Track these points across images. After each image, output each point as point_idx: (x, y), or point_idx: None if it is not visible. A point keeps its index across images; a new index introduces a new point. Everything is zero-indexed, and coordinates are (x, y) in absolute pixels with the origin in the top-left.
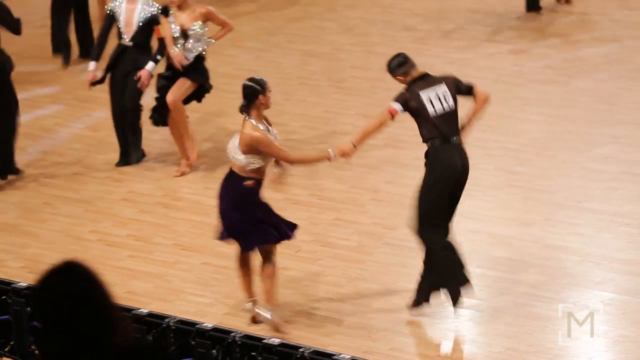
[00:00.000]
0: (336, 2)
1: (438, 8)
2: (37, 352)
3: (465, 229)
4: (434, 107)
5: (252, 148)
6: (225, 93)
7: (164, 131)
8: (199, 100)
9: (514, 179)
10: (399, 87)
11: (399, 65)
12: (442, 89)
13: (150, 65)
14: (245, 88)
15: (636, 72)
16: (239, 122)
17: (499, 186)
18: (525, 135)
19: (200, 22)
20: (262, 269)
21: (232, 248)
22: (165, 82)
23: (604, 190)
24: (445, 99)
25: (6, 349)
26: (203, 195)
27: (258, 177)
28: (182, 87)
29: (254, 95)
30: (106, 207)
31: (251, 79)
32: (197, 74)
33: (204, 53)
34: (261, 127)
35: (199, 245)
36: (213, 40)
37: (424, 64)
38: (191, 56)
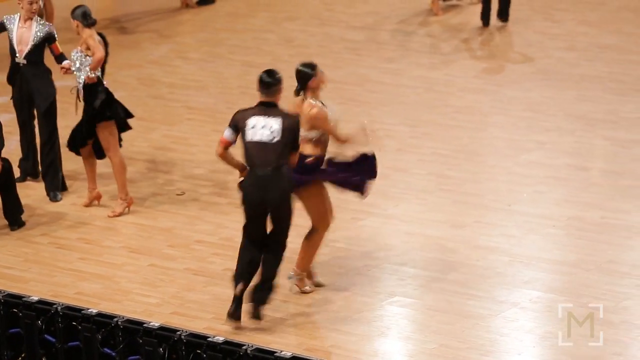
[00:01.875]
0: (276, 14)
1: (373, 21)
2: None
3: (400, 231)
4: (253, 134)
5: (312, 125)
6: (170, 102)
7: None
8: (124, 129)
9: (445, 183)
10: (335, 96)
11: (259, 83)
12: (276, 123)
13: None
14: (298, 72)
15: (561, 82)
16: (183, 130)
17: (431, 190)
18: (455, 141)
19: (79, 49)
20: (310, 237)
21: (177, 250)
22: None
23: (531, 194)
24: (271, 132)
25: None
26: (150, 200)
27: (319, 153)
28: (104, 138)
29: (306, 78)
30: (56, 212)
31: (302, 64)
32: (100, 114)
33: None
34: (319, 104)
35: (146, 248)
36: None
37: (359, 74)
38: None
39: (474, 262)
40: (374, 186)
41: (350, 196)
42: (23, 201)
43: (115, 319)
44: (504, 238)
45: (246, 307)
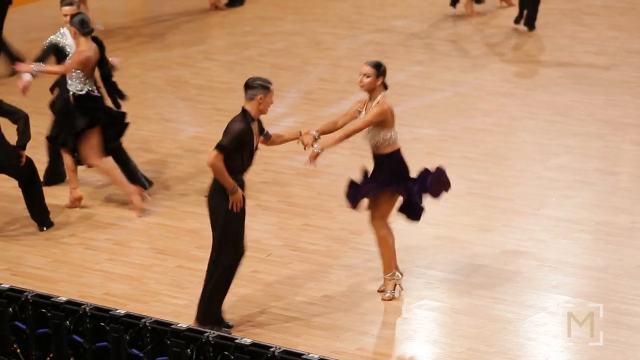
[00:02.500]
0: (305, 17)
1: (402, 24)
2: None
3: (428, 234)
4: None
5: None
6: (199, 104)
7: (138, 142)
8: (122, 134)
9: (473, 186)
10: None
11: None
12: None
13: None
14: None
15: (590, 86)
16: (212, 132)
17: (459, 193)
18: (484, 145)
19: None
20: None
21: (205, 251)
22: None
23: (560, 198)
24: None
25: None
26: (176, 201)
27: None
28: (85, 144)
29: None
30: (85, 212)
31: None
32: (80, 119)
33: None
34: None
35: (174, 249)
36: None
37: (389, 76)
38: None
39: (502, 266)
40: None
41: None
42: (51, 202)
43: (143, 320)
44: (533, 242)
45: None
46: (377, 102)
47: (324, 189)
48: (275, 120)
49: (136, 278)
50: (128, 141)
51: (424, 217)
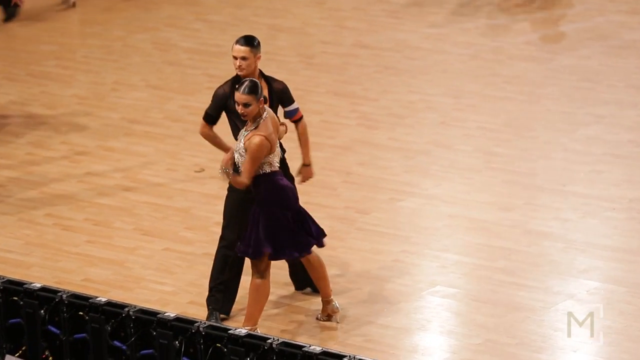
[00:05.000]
0: None
1: None
2: (51, 357)
3: (442, 213)
4: None
5: None
6: (189, 69)
7: (121, 112)
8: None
9: (493, 160)
10: (371, 63)
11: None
12: None
13: None
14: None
15: (622, 49)
16: (203, 101)
17: (477, 168)
18: (504, 114)
19: None
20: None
21: (195, 233)
22: None
23: (589, 173)
24: None
25: (17, 354)
26: (165, 177)
27: None
28: None
29: None
30: (62, 189)
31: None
32: None
33: None
34: None
35: (161, 230)
36: None
37: (398, 39)
38: None
39: (524, 248)
40: (414, 163)
41: (387, 174)
42: (26, 177)
43: (127, 309)
44: (559, 222)
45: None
46: (256, 130)
47: (326, 163)
48: None
49: (119, 262)
50: (108, 110)
51: (437, 193)
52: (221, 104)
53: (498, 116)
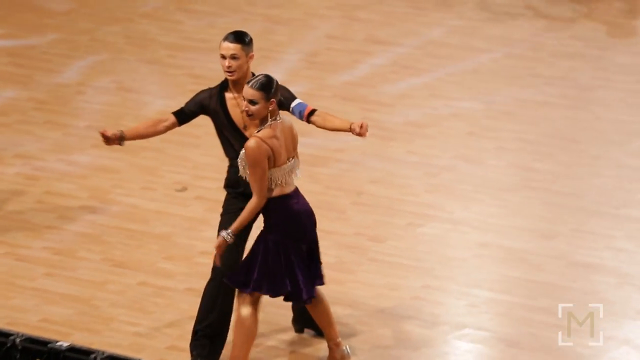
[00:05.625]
0: None
1: None
2: None
3: (471, 242)
4: None
5: None
6: (169, 68)
7: (87, 119)
8: None
9: (531, 178)
10: (386, 62)
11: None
12: None
13: None
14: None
15: None
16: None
17: (512, 188)
18: (545, 123)
19: None
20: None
21: (176, 264)
22: None
23: None
24: None
25: None
26: (140, 197)
27: None
28: None
29: None
30: (16, 211)
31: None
32: None
33: None
34: None
35: (135, 261)
36: None
37: (418, 33)
38: None
39: (569, 283)
40: (437, 182)
41: (405, 194)
42: None
43: (93, 355)
44: (611, 252)
45: None
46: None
47: (333, 181)
48: None
49: (84, 299)
50: (72, 117)
51: (464, 217)
52: (201, 101)
53: (538, 125)
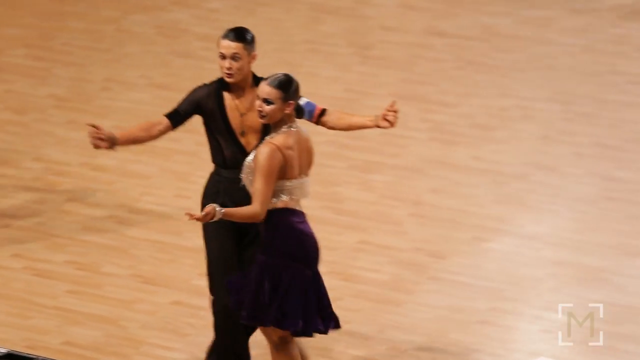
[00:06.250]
0: None
1: None
2: None
3: (545, 259)
4: None
5: None
6: (204, 62)
7: (114, 118)
8: None
9: (613, 188)
10: (449, 57)
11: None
12: None
13: None
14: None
15: None
16: None
17: (591, 198)
18: (629, 126)
19: None
20: None
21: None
22: None
23: None
24: None
25: None
26: (173, 206)
27: None
28: None
29: None
30: (35, 221)
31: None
32: None
33: None
34: None
35: (167, 277)
36: None
37: (485, 24)
38: None
39: None
40: (506, 191)
41: (470, 205)
42: None
43: None
44: None
45: None
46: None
47: (388, 189)
48: (317, 87)
49: (111, 320)
50: (96, 116)
51: (537, 231)
52: (197, 99)
53: (619, 128)
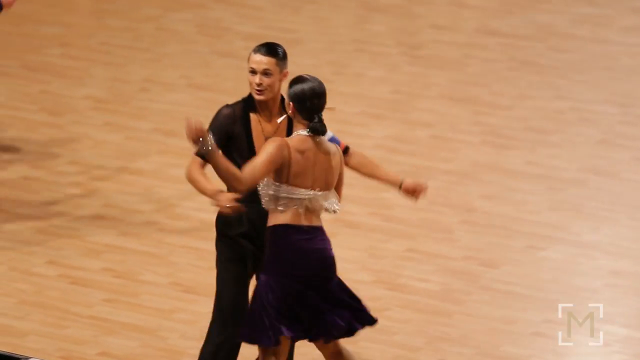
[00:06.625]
0: None
1: None
2: None
3: (603, 269)
4: None
5: None
6: (246, 62)
7: (153, 120)
8: None
9: None
10: (503, 57)
11: None
12: None
13: None
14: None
15: None
16: None
17: None
18: None
19: None
20: None
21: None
22: None
23: None
24: None
25: None
26: (213, 211)
27: None
28: None
29: None
30: (70, 227)
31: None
32: None
33: None
34: None
35: (207, 286)
36: None
37: (539, 23)
38: None
39: None
40: (562, 197)
41: (524, 212)
42: (20, 210)
43: None
44: None
45: None
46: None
47: (439, 195)
48: (365, 88)
49: (149, 330)
50: (134, 117)
51: (595, 239)
52: (225, 128)
53: None
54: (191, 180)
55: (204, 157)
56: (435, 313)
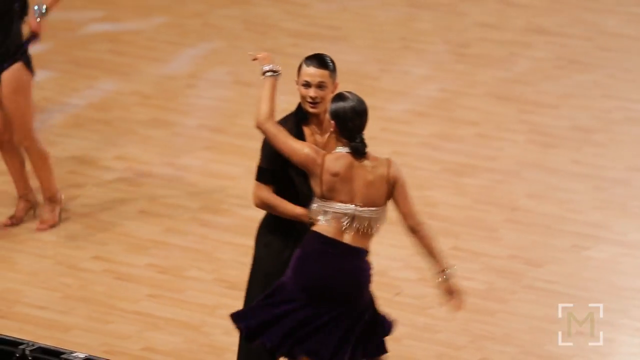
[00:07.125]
0: None
1: None
2: None
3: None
4: None
5: None
6: (293, 59)
7: (199, 117)
8: None
9: None
10: (550, 55)
11: None
12: None
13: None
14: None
15: None
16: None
17: None
18: None
19: None
20: None
21: None
22: None
23: None
24: None
25: None
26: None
27: None
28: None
29: None
30: (116, 223)
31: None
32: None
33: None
34: None
35: None
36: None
37: (587, 22)
38: None
39: None
40: (608, 197)
41: (569, 211)
42: (67, 205)
43: None
44: None
45: None
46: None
47: (483, 194)
48: (411, 86)
49: (193, 326)
50: (180, 113)
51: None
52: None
53: None
54: (269, 205)
55: (276, 74)
56: (479, 311)
